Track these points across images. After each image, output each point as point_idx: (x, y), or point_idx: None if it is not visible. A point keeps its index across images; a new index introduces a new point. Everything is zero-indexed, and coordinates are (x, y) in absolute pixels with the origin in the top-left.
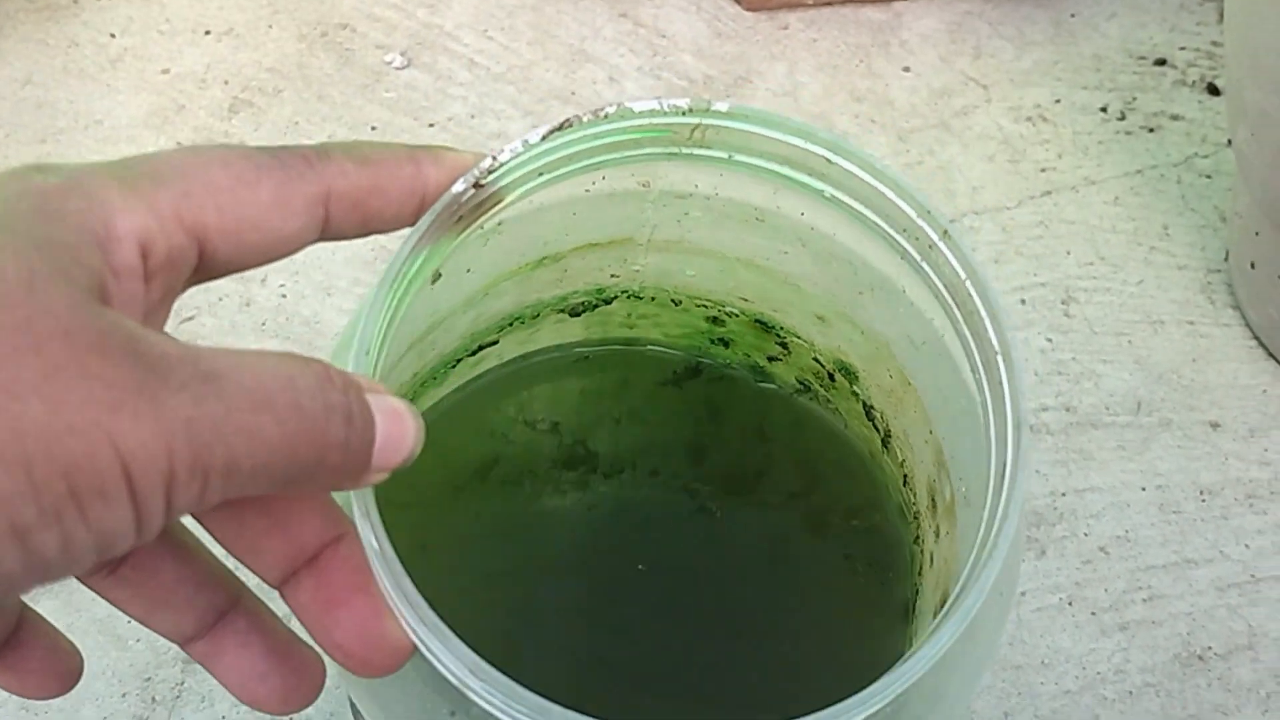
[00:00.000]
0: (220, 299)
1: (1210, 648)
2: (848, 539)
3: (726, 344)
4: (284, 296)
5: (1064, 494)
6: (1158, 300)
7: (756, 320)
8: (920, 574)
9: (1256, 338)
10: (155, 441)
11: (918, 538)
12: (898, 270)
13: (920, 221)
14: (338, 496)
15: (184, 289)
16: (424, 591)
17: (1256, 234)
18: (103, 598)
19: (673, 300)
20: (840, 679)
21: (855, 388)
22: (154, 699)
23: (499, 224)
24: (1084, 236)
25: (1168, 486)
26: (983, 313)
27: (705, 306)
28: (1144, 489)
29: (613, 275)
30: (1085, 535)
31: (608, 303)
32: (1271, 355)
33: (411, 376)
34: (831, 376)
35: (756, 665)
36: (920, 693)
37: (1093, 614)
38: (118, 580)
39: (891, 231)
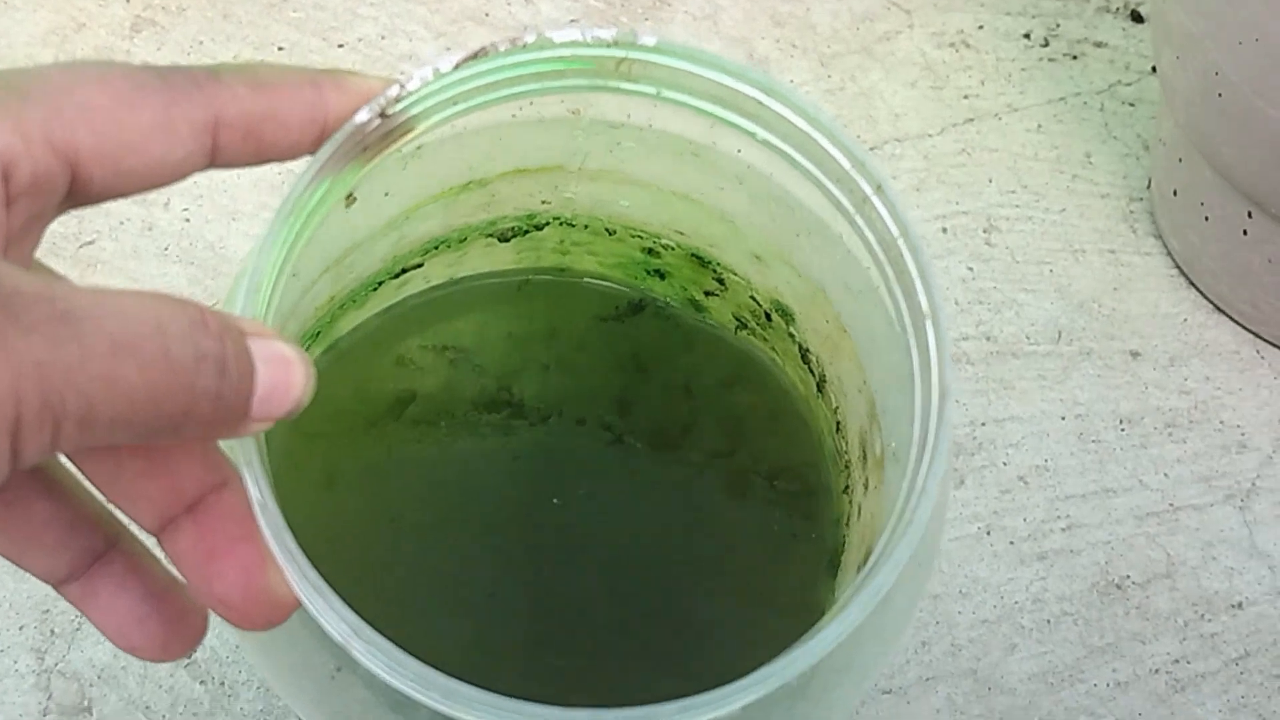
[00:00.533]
0: (121, 223)
1: (1128, 576)
2: (779, 485)
3: (663, 276)
4: (188, 221)
5: (983, 423)
6: (1079, 229)
7: (693, 254)
8: (848, 525)
9: (1178, 266)
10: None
11: (847, 487)
12: (833, 217)
13: (854, 174)
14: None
15: (56, 215)
16: (327, 526)
17: (1180, 160)
18: None
19: (607, 229)
20: (763, 634)
21: (791, 329)
22: (53, 632)
23: (418, 148)
24: (1006, 164)
25: (1087, 416)
26: (914, 273)
27: (640, 238)
28: (1064, 418)
29: (544, 202)
30: (1004, 465)
31: (539, 228)
32: (1193, 284)
33: (328, 299)
34: (768, 316)
35: (674, 620)
36: (829, 666)
37: (1011, 543)
38: None
39: (825, 180)
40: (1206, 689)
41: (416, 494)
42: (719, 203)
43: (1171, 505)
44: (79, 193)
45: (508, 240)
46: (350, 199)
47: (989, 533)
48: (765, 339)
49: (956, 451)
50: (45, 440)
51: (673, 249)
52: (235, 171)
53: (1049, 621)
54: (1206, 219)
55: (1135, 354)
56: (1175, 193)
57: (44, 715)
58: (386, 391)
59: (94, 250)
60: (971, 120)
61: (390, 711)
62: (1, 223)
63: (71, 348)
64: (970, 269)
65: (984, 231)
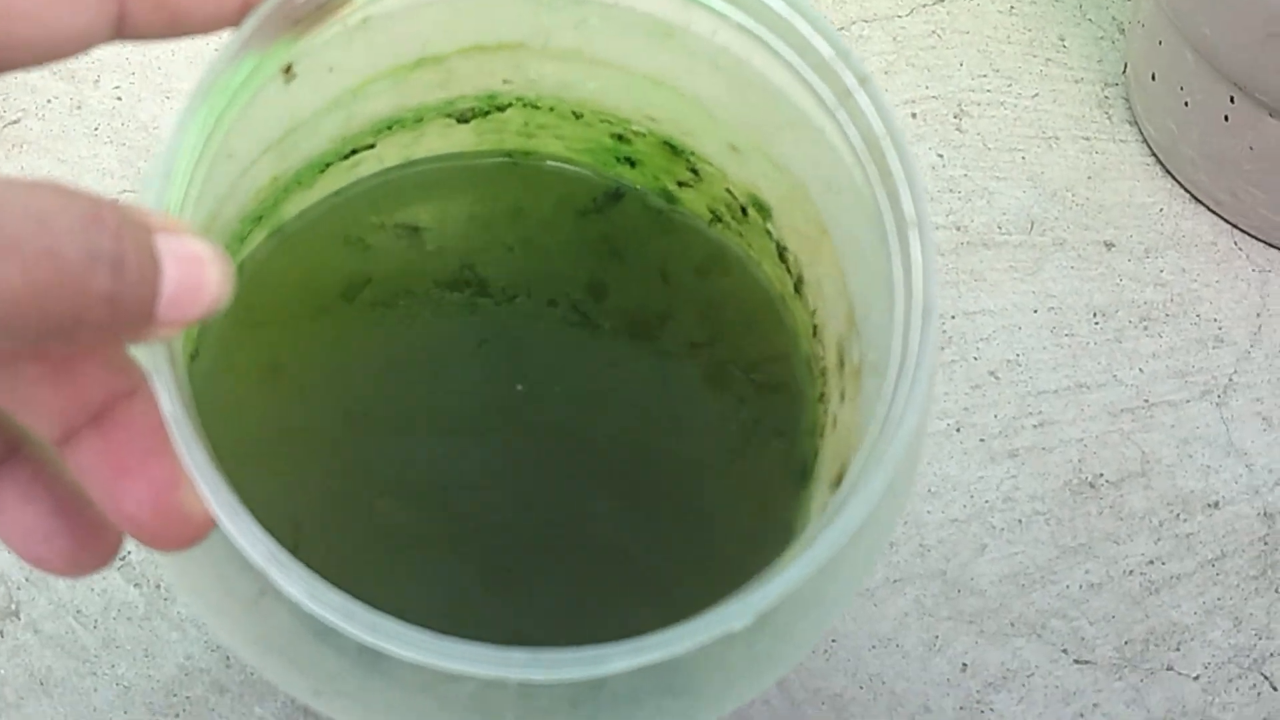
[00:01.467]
0: (49, 101)
1: (1102, 475)
2: (750, 390)
3: (633, 164)
4: (119, 99)
5: (953, 316)
6: (1053, 115)
7: (665, 143)
8: (821, 436)
9: (1154, 154)
10: None
11: (823, 395)
12: (814, 110)
13: (836, 65)
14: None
15: None
16: (272, 423)
17: (1159, 43)
18: None
19: (574, 113)
20: (731, 543)
21: (769, 225)
22: None
23: (364, 20)
24: (977, 47)
25: (1060, 309)
26: (899, 176)
27: (610, 123)
28: (1036, 311)
29: (505, 81)
30: (975, 359)
31: (501, 110)
32: (1169, 172)
33: (270, 180)
34: (745, 210)
35: (641, 523)
36: (793, 601)
37: (981, 440)
38: None
39: (804, 70)
40: (1182, 590)
41: (371, 382)
42: (694, 88)
43: (1146, 401)
44: None
45: (467, 121)
46: (289, 73)
47: (959, 430)
48: (741, 234)
49: None
50: None
51: (644, 135)
52: (169, 46)
53: (1020, 521)
54: (1186, 104)
55: (1110, 245)
56: (1153, 77)
57: None
58: (338, 275)
59: (19, 130)
60: (942, 1)
61: (315, 639)
62: None
63: None
64: (940, 156)
65: (954, 117)
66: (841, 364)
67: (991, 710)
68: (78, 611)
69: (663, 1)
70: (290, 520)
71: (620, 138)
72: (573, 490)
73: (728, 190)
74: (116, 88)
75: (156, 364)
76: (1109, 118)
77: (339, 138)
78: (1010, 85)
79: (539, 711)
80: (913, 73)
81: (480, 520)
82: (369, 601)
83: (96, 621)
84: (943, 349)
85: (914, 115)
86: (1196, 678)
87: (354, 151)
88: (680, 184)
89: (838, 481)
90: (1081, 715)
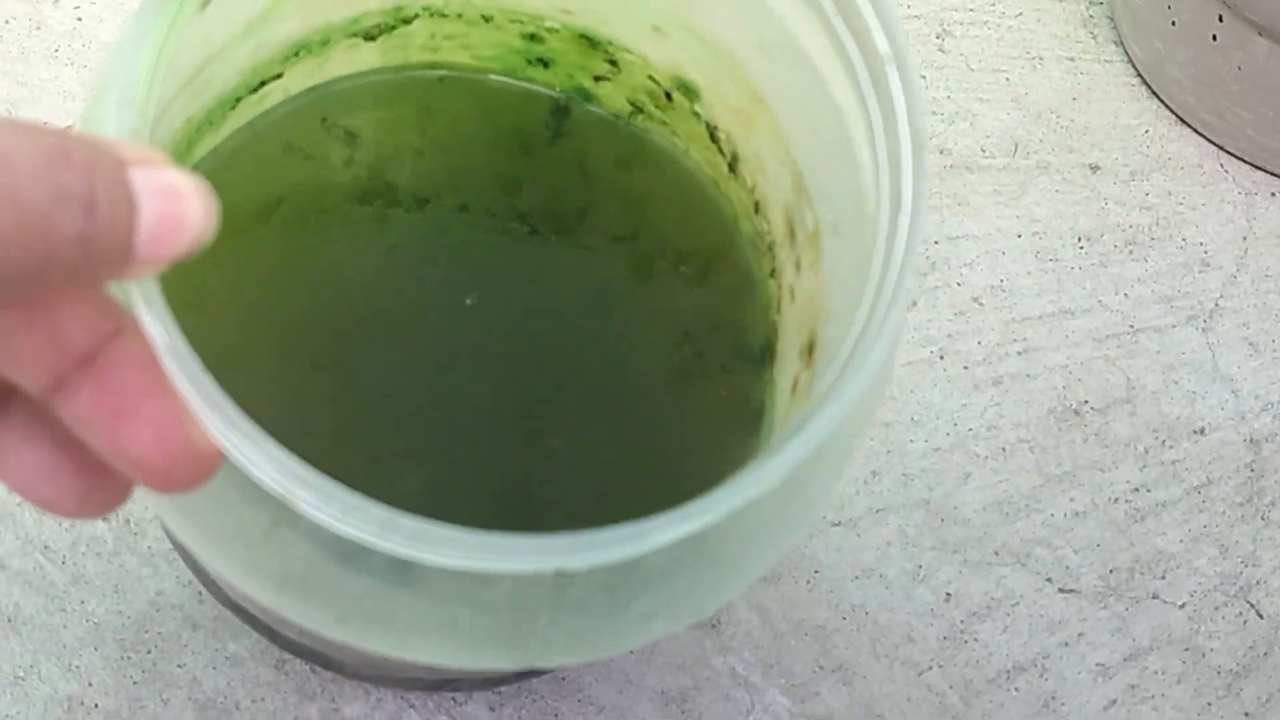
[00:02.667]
0: (6, 21)
1: (1087, 401)
2: (690, 278)
3: (546, 65)
4: (80, 20)
5: (936, 242)
6: (1037, 35)
7: (581, 35)
8: (779, 311)
9: (1139, 75)
10: None
11: (774, 271)
12: None
13: None
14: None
15: None
16: (202, 353)
17: None
18: None
19: (483, 17)
20: (694, 432)
21: (696, 107)
22: None
23: None
24: None
25: (1045, 233)
26: (867, 12)
27: (521, 22)
28: (1020, 235)
29: None
30: (958, 285)
31: (407, 22)
32: (1155, 94)
33: (184, 123)
34: (669, 96)
35: (593, 420)
36: (760, 510)
37: (965, 368)
38: None
39: None
40: (1167, 518)
41: (293, 300)
42: None
43: (1131, 327)
44: None
45: (374, 39)
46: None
47: (942, 357)
48: (665, 122)
49: None
50: None
51: (557, 31)
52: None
53: (1004, 449)
54: (1173, 24)
55: (1095, 167)
56: None
57: None
58: (250, 200)
59: None
60: None
61: (338, 564)
62: None
63: None
64: (923, 77)
65: (937, 37)
66: (793, 234)
67: (975, 640)
68: (45, 547)
69: None
70: None
71: (532, 37)
72: (516, 387)
73: (650, 77)
74: (76, 8)
75: (147, 296)
76: (1094, 38)
77: (249, 69)
78: (994, 4)
79: (575, 603)
80: None
81: (420, 419)
82: None
83: (65, 557)
84: (925, 275)
85: None
86: (1182, 606)
87: (262, 84)
88: (597, 79)
89: (809, 350)
90: (1066, 644)
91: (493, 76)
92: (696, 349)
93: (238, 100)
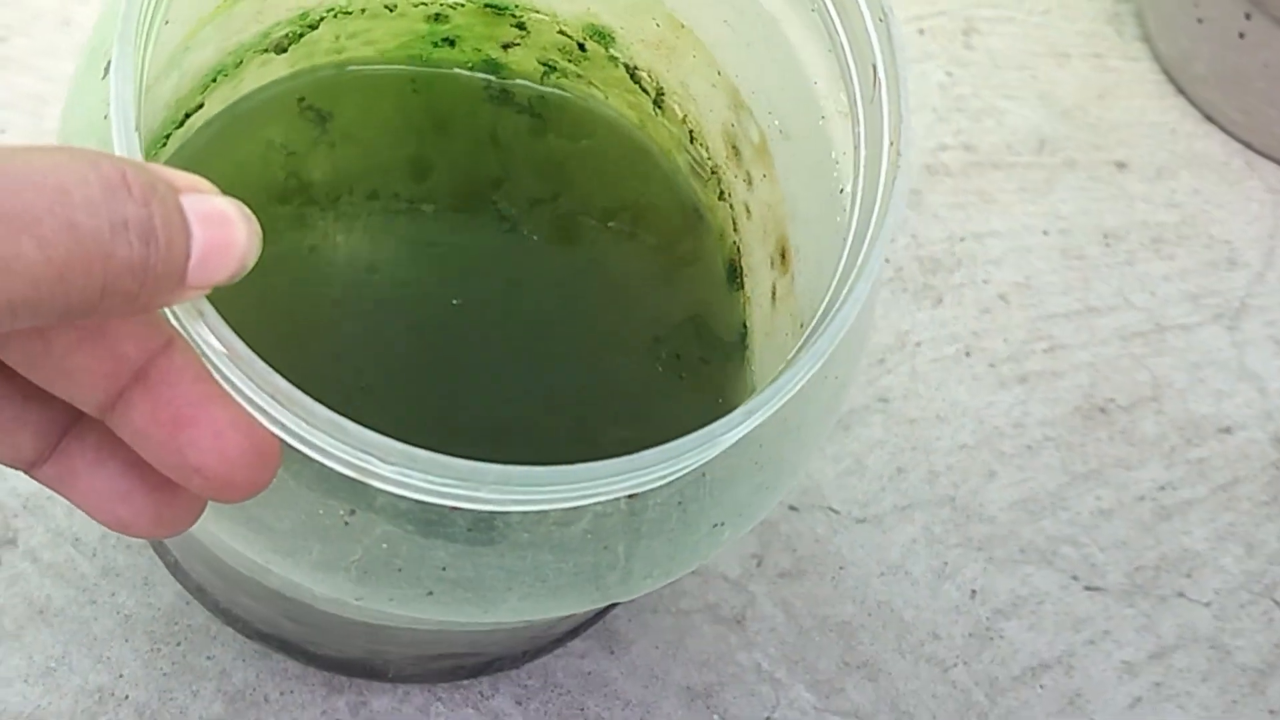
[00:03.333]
0: (35, 17)
1: (1113, 399)
2: (620, 232)
3: (453, 43)
4: None
5: (962, 239)
6: (1063, 32)
7: (486, 5)
8: (736, 230)
9: (1166, 72)
10: None
11: (722, 194)
12: None
13: None
14: None
15: None
16: None
17: None
18: None
19: (387, 7)
20: (676, 380)
21: (613, 51)
22: None
23: None
24: None
25: (1071, 230)
26: None
27: (425, 4)
28: (1046, 233)
29: None
30: (984, 282)
31: (314, 28)
32: (1182, 91)
33: None
34: (582, 46)
35: (567, 383)
36: (759, 438)
37: (991, 365)
38: None
39: None
40: (1193, 516)
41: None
42: None
43: (1158, 325)
44: None
45: (284, 50)
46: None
47: (968, 354)
48: (580, 74)
49: (934, 268)
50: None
51: (462, 6)
52: None
53: (1030, 447)
54: (1199, 21)
55: (1121, 165)
56: None
57: None
58: None
59: (6, 48)
60: None
61: (423, 534)
62: None
63: None
64: (949, 74)
65: (963, 34)
66: (737, 151)
67: (1001, 637)
68: (76, 539)
69: None
70: None
71: (437, 18)
72: (473, 372)
73: (561, 32)
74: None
75: (199, 307)
76: (1120, 35)
77: (172, 103)
78: (1020, 1)
79: (651, 525)
80: None
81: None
82: None
83: (95, 550)
84: (951, 271)
85: (921, 32)
86: (1208, 604)
87: (186, 116)
88: (506, 46)
89: (782, 257)
90: (1092, 642)
91: (396, 66)
92: (662, 295)
93: (166, 137)
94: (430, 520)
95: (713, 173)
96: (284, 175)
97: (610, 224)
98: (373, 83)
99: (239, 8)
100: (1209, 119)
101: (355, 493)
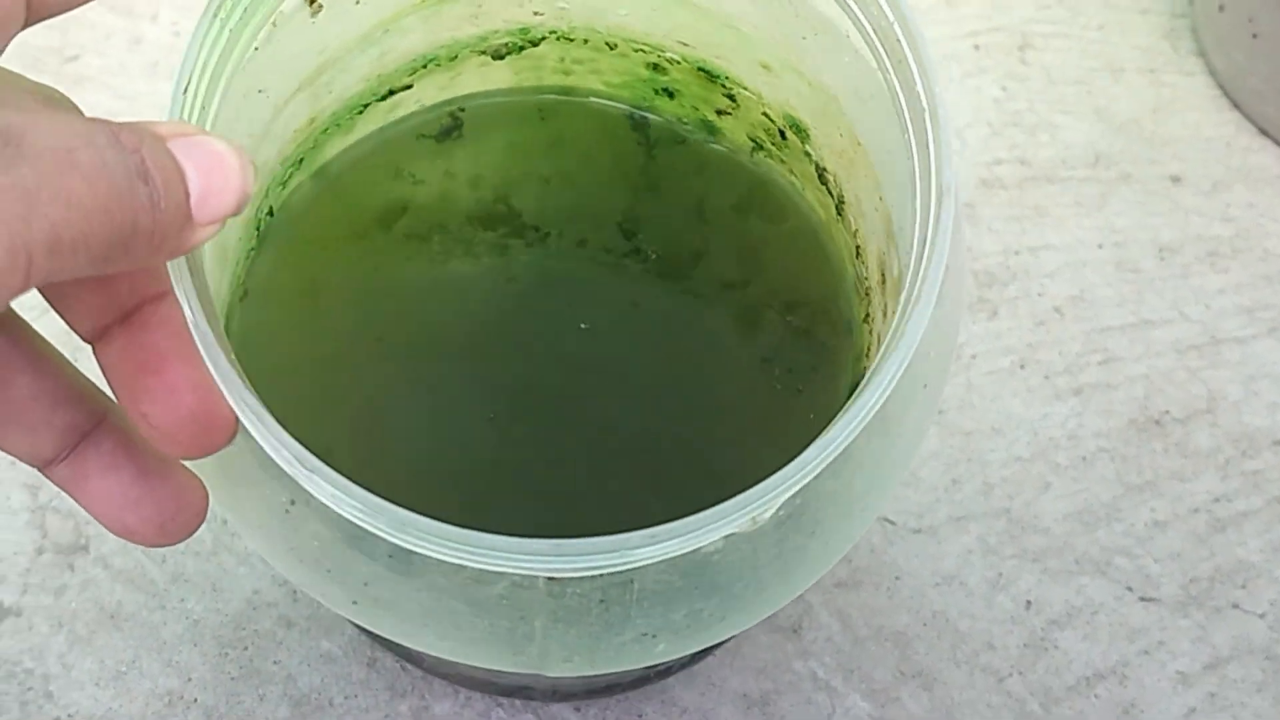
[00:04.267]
0: (107, 37)
1: (1168, 412)
2: (793, 321)
3: (672, 95)
4: (177, 35)
5: (1017, 252)
6: (1119, 47)
7: (700, 69)
8: (868, 356)
9: (1221, 87)
10: None
11: (868, 315)
12: (838, 12)
13: None
14: None
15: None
16: (310, 340)
17: None
18: None
19: (607, 44)
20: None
21: (807, 147)
22: None
23: None
24: None
25: (1126, 244)
26: (911, 62)
27: (644, 51)
28: (1101, 246)
29: (536, 13)
30: (1039, 295)
31: (535, 44)
32: (1236, 105)
33: (308, 121)
34: (783, 134)
35: (679, 457)
36: (818, 492)
37: (1046, 377)
38: None
39: None
40: (1248, 528)
41: (404, 311)
42: (719, 5)
43: (1213, 338)
44: (34, 12)
45: (502, 58)
46: (314, 4)
47: (1023, 366)
48: (783, 160)
49: (989, 281)
50: (19, 279)
51: (678, 63)
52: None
53: (1085, 459)
54: (1255, 36)
55: (1176, 179)
56: (1221, 8)
57: (39, 554)
58: (376, 203)
59: (78, 66)
60: None
61: (347, 546)
62: None
63: (25, 168)
64: (1004, 89)
65: (1019, 49)
66: (883, 279)
67: (1056, 647)
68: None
69: None
70: (322, 444)
71: (656, 67)
72: (605, 421)
73: (765, 114)
74: (174, 23)
75: (178, 272)
76: (1175, 50)
77: (373, 76)
78: (1075, 16)
79: (570, 611)
80: (976, 4)
81: (514, 442)
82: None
83: (165, 556)
84: (1006, 285)
85: (977, 47)
86: (1262, 615)
87: (391, 92)
88: (720, 112)
89: None
90: (1146, 653)
91: (623, 106)
92: (791, 391)
93: (365, 106)
94: (354, 535)
95: (866, 294)
96: (492, 198)
97: (789, 319)
98: (594, 117)
99: (448, 7)
100: (1264, 133)
101: (295, 486)
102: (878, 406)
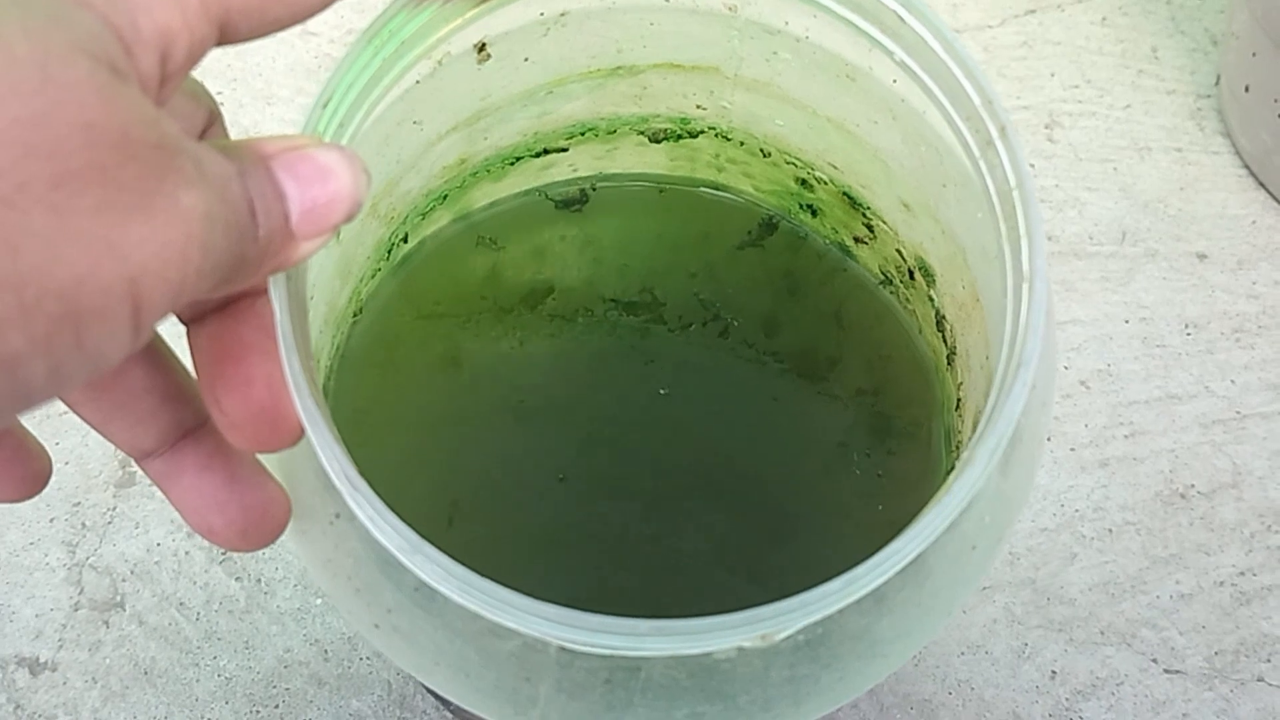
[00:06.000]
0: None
1: (1193, 486)
2: (896, 454)
3: (814, 212)
4: (221, 105)
5: None
6: (1145, 126)
7: (844, 193)
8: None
9: (1246, 166)
10: (169, 249)
11: (951, 469)
12: (968, 165)
13: (982, 111)
14: None
15: None
16: (443, 407)
17: (1253, 55)
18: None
19: (762, 150)
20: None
21: (932, 291)
22: (84, 525)
23: (562, 15)
24: (1069, 58)
25: (1152, 319)
26: (1022, 229)
27: (795, 165)
28: (1127, 321)
29: (699, 107)
30: (1066, 369)
31: (693, 136)
32: (1262, 184)
33: (458, 161)
34: (911, 274)
35: (782, 560)
36: (841, 627)
37: (1072, 450)
38: None
39: (955, 116)
40: (1273, 602)
41: (541, 387)
42: (872, 137)
43: (1238, 413)
44: (226, 37)
45: (659, 142)
46: (483, 52)
47: (1049, 439)
48: (907, 299)
49: None
50: (191, 294)
51: (825, 183)
52: (270, 55)
53: (1110, 531)
54: (1279, 116)
55: (1202, 256)
56: (1246, 89)
57: (75, 610)
58: (523, 280)
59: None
60: (1033, 11)
61: (379, 569)
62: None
63: (214, 197)
64: (1032, 166)
65: (1046, 128)
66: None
67: (1081, 718)
68: (180, 604)
69: (846, 41)
70: (449, 499)
71: (804, 183)
72: (704, 511)
73: (898, 251)
74: (219, 93)
75: (275, 276)
76: (1201, 129)
77: (531, 132)
78: (1102, 96)
79: (575, 684)
80: (1004, 83)
81: (622, 521)
82: (512, 581)
83: (199, 614)
84: None
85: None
86: None
87: (546, 151)
88: (857, 240)
89: None
90: None
91: (771, 211)
92: (883, 523)
93: (518, 158)
94: (386, 560)
95: (957, 446)
96: (639, 287)
97: (906, 419)
98: (746, 217)
99: (613, 83)
100: None
101: (340, 500)
102: (912, 555)
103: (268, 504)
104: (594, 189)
